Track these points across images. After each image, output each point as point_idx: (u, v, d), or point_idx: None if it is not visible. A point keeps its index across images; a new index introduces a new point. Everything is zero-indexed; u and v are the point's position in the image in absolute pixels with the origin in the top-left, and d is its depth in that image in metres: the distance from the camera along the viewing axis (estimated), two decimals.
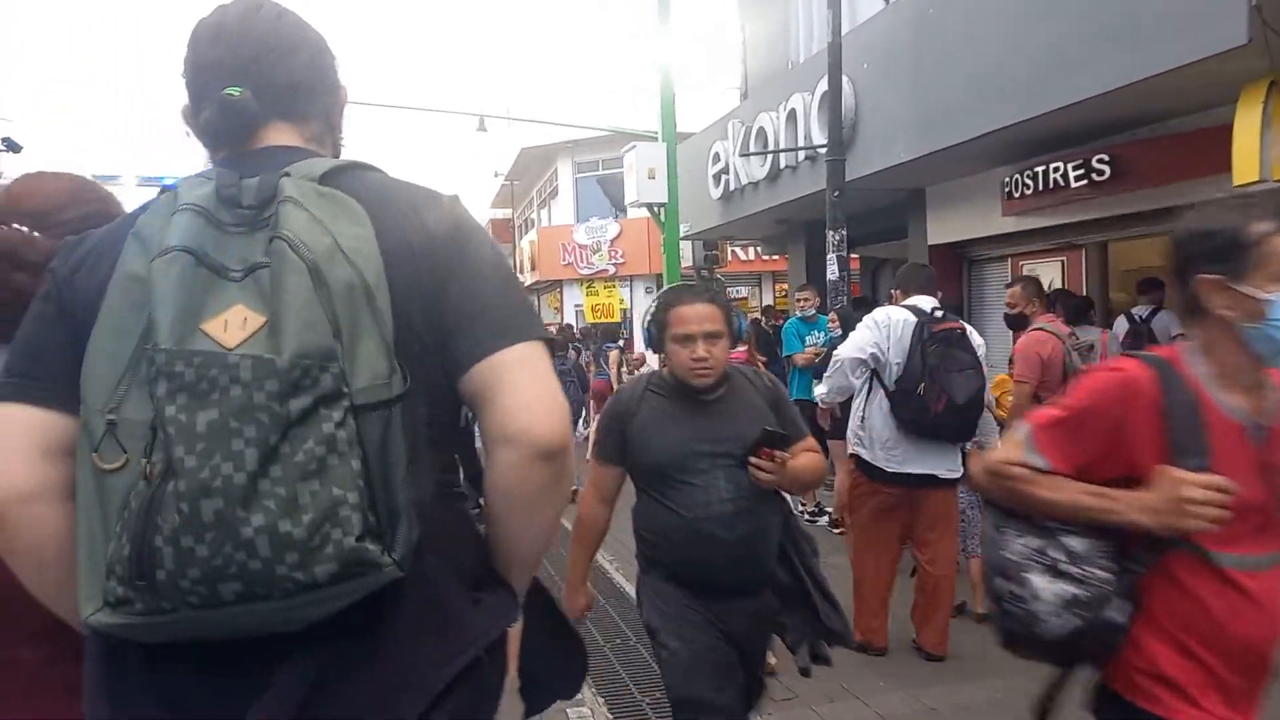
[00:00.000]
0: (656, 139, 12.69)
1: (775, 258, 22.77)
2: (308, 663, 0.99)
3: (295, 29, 1.21)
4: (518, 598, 1.20)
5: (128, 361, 0.98)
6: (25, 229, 1.34)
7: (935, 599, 4.43)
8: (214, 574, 0.90)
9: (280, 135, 1.19)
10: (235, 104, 1.12)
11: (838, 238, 8.06)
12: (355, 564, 0.93)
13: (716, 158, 12.34)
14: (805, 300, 7.59)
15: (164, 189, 1.08)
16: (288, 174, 1.06)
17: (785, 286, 25.00)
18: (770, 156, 10.72)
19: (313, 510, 0.91)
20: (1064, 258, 8.52)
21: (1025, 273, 7.94)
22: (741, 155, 10.90)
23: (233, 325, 0.96)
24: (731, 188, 11.97)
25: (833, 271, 8.08)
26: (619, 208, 23.44)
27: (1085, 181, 6.93)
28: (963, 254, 9.91)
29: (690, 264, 16.61)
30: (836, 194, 8.03)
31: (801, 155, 9.98)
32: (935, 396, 4.10)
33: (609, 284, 23.88)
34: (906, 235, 10.38)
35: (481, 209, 38.99)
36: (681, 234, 13.37)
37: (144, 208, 1.09)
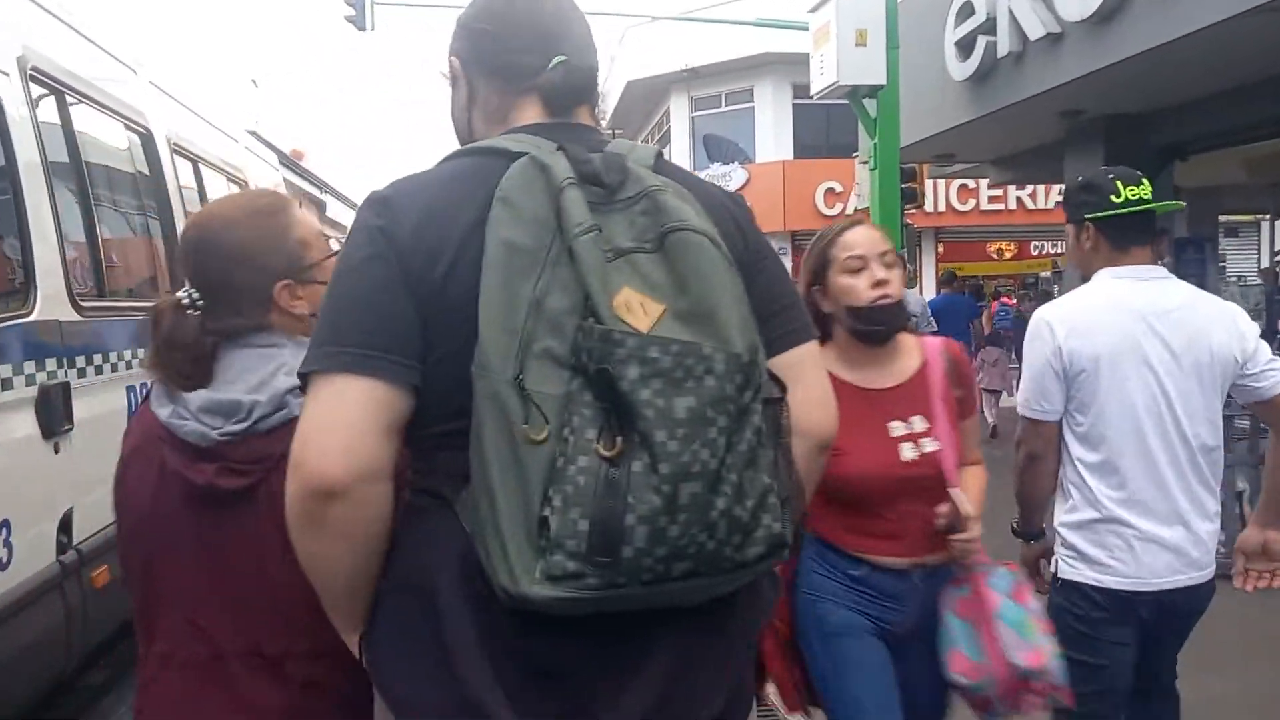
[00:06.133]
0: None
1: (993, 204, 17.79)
2: (686, 633, 1.09)
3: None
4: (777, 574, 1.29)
5: (520, 331, 1.00)
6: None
7: None
8: (676, 553, 0.97)
9: (584, 115, 1.26)
10: (586, 74, 1.23)
11: None
12: (776, 546, 1.04)
13: (967, 10, 7.58)
14: None
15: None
16: (622, 155, 1.12)
17: (944, 247, 19.92)
18: None
19: (753, 496, 1.01)
20: None
21: None
22: None
23: (634, 308, 0.99)
24: (1000, 53, 7.19)
25: None
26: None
27: None
28: None
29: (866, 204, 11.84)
30: None
31: None
32: None
33: None
34: None
35: None
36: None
37: (477, 169, 1.11)
